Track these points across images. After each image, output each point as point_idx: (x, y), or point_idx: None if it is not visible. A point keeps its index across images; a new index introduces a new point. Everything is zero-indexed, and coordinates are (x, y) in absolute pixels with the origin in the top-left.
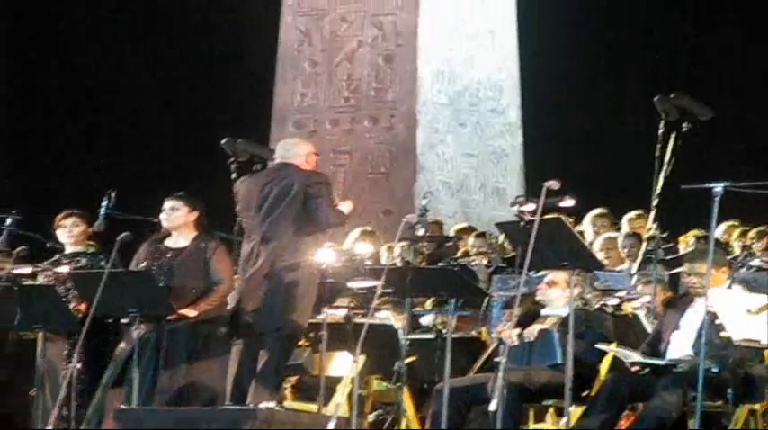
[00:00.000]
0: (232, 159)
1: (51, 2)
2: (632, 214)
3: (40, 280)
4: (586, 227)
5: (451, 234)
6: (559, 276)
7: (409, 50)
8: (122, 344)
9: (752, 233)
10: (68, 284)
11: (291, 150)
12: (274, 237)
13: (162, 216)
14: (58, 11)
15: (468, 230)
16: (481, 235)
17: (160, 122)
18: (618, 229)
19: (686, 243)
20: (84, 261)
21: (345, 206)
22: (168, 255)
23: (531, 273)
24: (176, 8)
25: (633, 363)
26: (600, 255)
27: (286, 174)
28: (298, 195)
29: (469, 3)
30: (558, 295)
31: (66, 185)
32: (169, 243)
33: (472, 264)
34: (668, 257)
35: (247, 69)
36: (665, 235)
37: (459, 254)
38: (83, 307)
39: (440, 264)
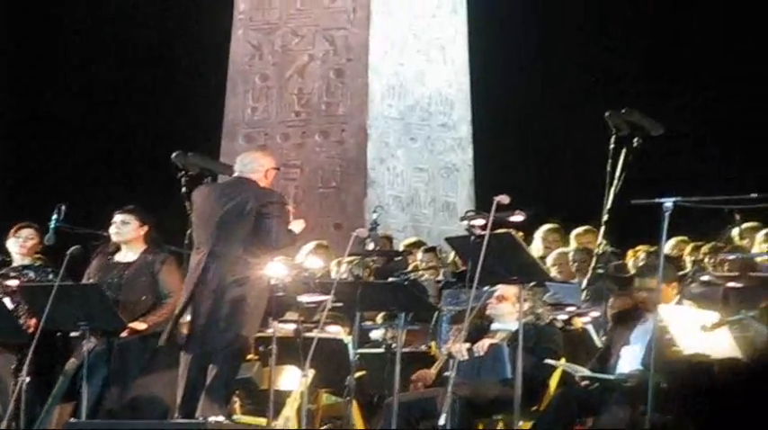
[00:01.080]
0: (182, 173)
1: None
2: (580, 229)
3: None
4: (537, 242)
5: (401, 248)
6: (509, 291)
7: (360, 65)
8: (72, 359)
9: (705, 248)
10: (17, 298)
11: (250, 165)
12: (224, 251)
13: (112, 229)
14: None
15: (418, 245)
16: (430, 249)
17: (110, 135)
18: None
19: (635, 258)
20: (32, 274)
21: (297, 226)
22: (118, 269)
23: (484, 288)
24: (127, 21)
25: (583, 378)
26: (552, 271)
27: (242, 190)
28: (250, 213)
29: (420, 18)
30: (509, 310)
31: (16, 197)
32: (119, 257)
33: (422, 278)
34: (619, 275)
35: (198, 83)
36: (614, 250)
37: (409, 268)
38: (33, 322)
39: (390, 279)
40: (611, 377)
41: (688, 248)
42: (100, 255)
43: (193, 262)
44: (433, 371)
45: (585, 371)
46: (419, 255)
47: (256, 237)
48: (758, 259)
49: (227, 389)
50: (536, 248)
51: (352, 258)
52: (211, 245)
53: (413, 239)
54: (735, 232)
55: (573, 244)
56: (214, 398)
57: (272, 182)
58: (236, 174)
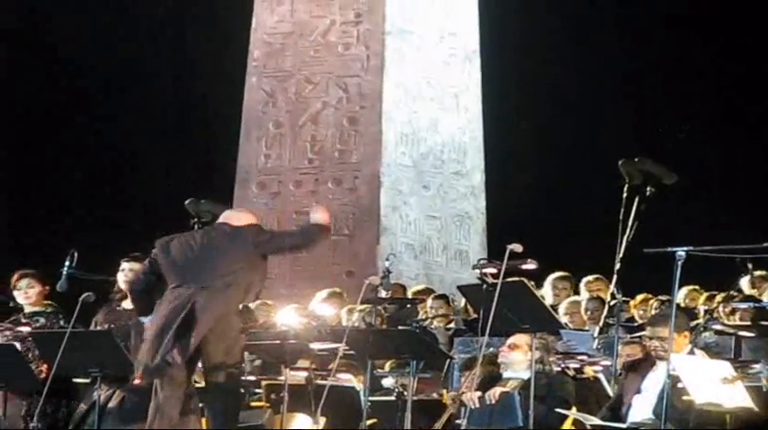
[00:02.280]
0: (195, 220)
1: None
2: (590, 277)
3: (0, 339)
4: (547, 290)
5: (409, 296)
6: (521, 339)
7: (373, 112)
8: (82, 405)
9: (718, 298)
10: (28, 343)
11: (233, 215)
12: (207, 285)
13: (119, 276)
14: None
15: (427, 292)
16: (439, 297)
17: (124, 181)
18: (579, 293)
19: (636, 307)
20: (42, 320)
21: (320, 216)
22: (125, 317)
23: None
24: (142, 66)
25: (594, 426)
26: (564, 319)
27: (228, 232)
28: (243, 249)
29: (434, 65)
30: (520, 358)
31: (27, 243)
32: (126, 304)
33: (432, 326)
34: (630, 324)
35: (212, 129)
36: (626, 299)
37: (420, 316)
38: (44, 367)
39: (401, 327)
40: (624, 426)
41: (702, 298)
42: (107, 303)
43: (172, 305)
44: (444, 418)
45: (597, 420)
46: (429, 302)
47: (247, 270)
48: None
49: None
50: (546, 296)
51: (364, 306)
52: (203, 283)
53: (421, 287)
54: (745, 281)
55: (583, 292)
56: None
57: None
58: (216, 223)
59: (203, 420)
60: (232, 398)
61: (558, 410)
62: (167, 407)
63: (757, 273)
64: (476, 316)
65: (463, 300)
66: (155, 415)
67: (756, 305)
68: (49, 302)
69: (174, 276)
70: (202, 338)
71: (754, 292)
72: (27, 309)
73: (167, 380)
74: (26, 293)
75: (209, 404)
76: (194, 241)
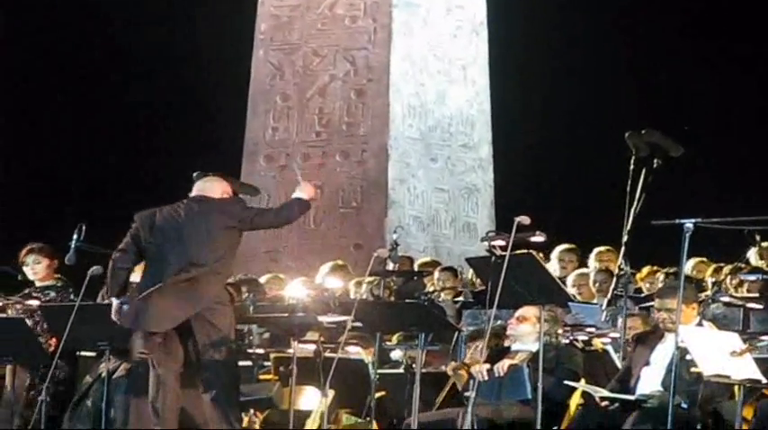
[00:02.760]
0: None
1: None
2: (601, 249)
3: (10, 313)
4: (553, 262)
5: (416, 268)
6: (530, 311)
7: (381, 85)
8: (88, 377)
9: (726, 269)
10: (37, 317)
11: (208, 185)
12: (200, 263)
13: (26, 271)
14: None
15: (434, 264)
16: (447, 269)
17: (132, 155)
18: (585, 265)
19: (643, 280)
20: (53, 294)
21: (305, 191)
22: (131, 290)
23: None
24: (148, 40)
25: (603, 398)
26: (572, 291)
27: (212, 207)
28: (227, 227)
29: (441, 38)
30: (529, 330)
31: (34, 216)
32: (134, 277)
33: (440, 299)
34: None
35: (219, 103)
36: (634, 271)
37: (428, 288)
38: (53, 341)
39: (408, 300)
40: (632, 397)
41: (710, 270)
42: None
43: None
44: (445, 389)
45: (605, 392)
46: (436, 274)
47: (231, 246)
48: None
49: (233, 404)
50: (552, 268)
51: (372, 279)
52: (189, 259)
53: (428, 259)
54: (753, 253)
55: (593, 263)
56: (225, 417)
57: None
58: (194, 194)
59: (204, 395)
60: (231, 372)
61: (566, 382)
62: (168, 381)
63: (765, 244)
64: (483, 288)
65: (471, 273)
66: (156, 388)
67: (764, 277)
68: (59, 276)
69: (161, 254)
70: (198, 317)
71: (761, 264)
72: (38, 284)
73: (165, 354)
74: (33, 269)
75: (209, 380)
76: (178, 216)
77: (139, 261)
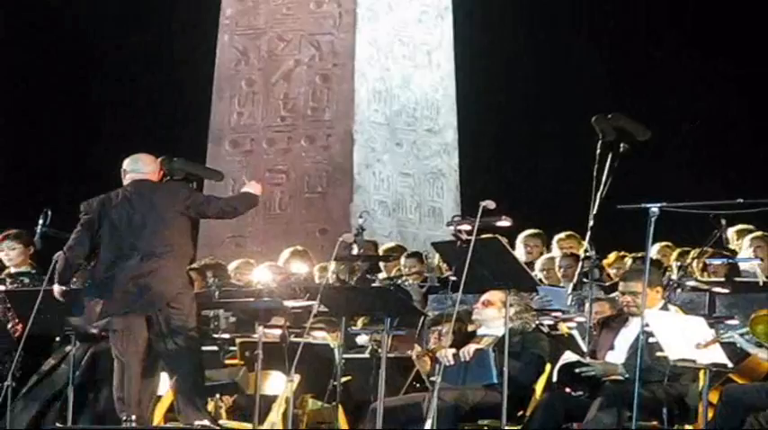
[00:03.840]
0: (168, 178)
1: None
2: (562, 235)
3: None
4: (519, 248)
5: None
6: (495, 296)
7: (346, 70)
8: (51, 359)
9: (692, 253)
10: (7, 304)
11: (143, 166)
12: (159, 252)
13: (1, 256)
14: None
15: (398, 249)
16: (413, 254)
17: (94, 140)
18: (550, 250)
19: (610, 265)
20: (26, 280)
21: (254, 187)
22: None
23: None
24: (113, 25)
25: (561, 367)
26: (540, 275)
27: (159, 192)
28: (181, 211)
29: (406, 23)
30: (494, 315)
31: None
32: None
33: (406, 283)
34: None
35: (184, 88)
36: (600, 255)
37: (393, 273)
38: (20, 326)
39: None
40: (618, 363)
41: (674, 254)
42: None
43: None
44: (410, 376)
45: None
46: (402, 260)
47: (186, 230)
48: (744, 264)
49: (199, 391)
50: (518, 254)
51: (337, 263)
52: (149, 248)
53: (392, 244)
54: (730, 233)
55: (555, 249)
56: (192, 402)
57: (160, 179)
58: (134, 178)
59: (171, 381)
60: (194, 357)
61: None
62: (132, 367)
63: (733, 229)
64: (449, 274)
65: (437, 258)
66: (120, 375)
67: (730, 260)
68: (33, 264)
69: (115, 241)
70: (160, 307)
71: (737, 245)
72: (12, 270)
73: (128, 341)
74: (8, 254)
75: (174, 367)
76: (127, 203)
77: (92, 250)
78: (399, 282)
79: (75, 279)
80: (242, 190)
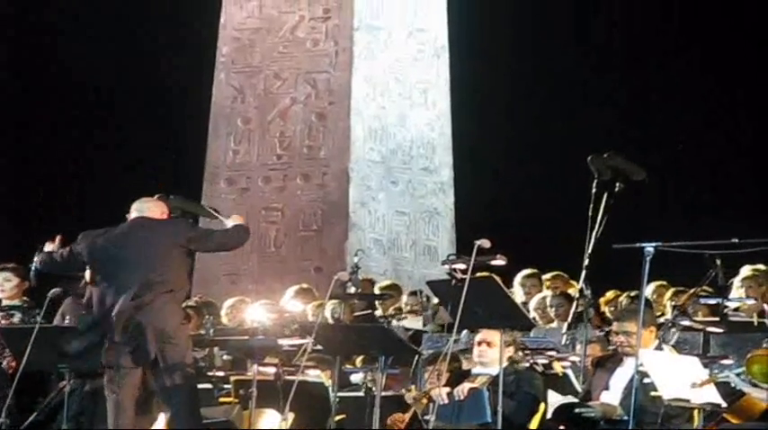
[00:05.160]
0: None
1: None
2: (548, 275)
3: None
4: (516, 287)
5: (376, 292)
6: (494, 336)
7: (342, 108)
8: (48, 398)
9: (685, 296)
10: (1, 339)
11: (147, 206)
12: (153, 285)
13: (87, 273)
14: None
15: (393, 288)
16: (414, 293)
17: (92, 176)
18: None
19: (607, 304)
20: (19, 315)
21: (236, 219)
22: (88, 312)
23: (463, 332)
24: (111, 63)
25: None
26: (535, 315)
27: (157, 229)
28: (178, 247)
29: (403, 61)
30: (496, 355)
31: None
32: None
33: (405, 322)
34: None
35: (180, 125)
36: (594, 294)
37: (390, 311)
38: (14, 363)
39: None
40: (617, 404)
41: (668, 293)
42: (72, 297)
43: (105, 304)
44: (407, 415)
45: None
46: (404, 298)
47: (182, 266)
48: (735, 304)
49: (195, 427)
50: (516, 295)
51: (332, 302)
52: (144, 281)
53: (387, 282)
54: (738, 281)
55: (544, 289)
56: None
57: None
58: (135, 216)
59: (164, 419)
60: (191, 396)
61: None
62: (126, 405)
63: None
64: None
65: (435, 300)
66: (115, 413)
67: (725, 300)
68: (26, 299)
69: (110, 278)
70: (156, 343)
71: (741, 293)
72: (5, 302)
73: (123, 378)
74: (2, 286)
75: (169, 403)
76: (123, 239)
77: (63, 271)
78: (399, 319)
79: (67, 318)
80: (228, 223)
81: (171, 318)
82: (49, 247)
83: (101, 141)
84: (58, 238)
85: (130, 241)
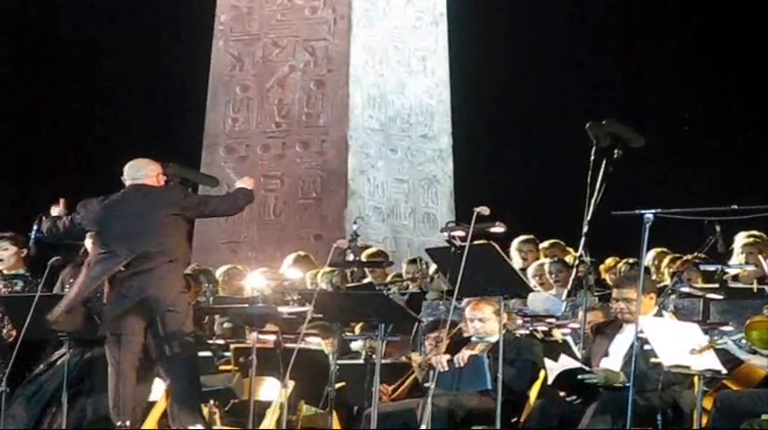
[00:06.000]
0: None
1: None
2: (545, 244)
3: None
4: (513, 253)
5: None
6: (487, 310)
7: (340, 76)
8: (42, 366)
9: (684, 259)
10: (1, 308)
11: (141, 171)
12: (151, 253)
13: (87, 241)
14: None
15: (380, 254)
16: (414, 261)
17: (90, 145)
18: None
19: (607, 271)
20: (20, 284)
21: (247, 182)
22: None
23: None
24: (108, 30)
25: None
26: (533, 281)
27: (152, 196)
28: (170, 214)
29: (401, 29)
30: (493, 327)
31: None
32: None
33: (408, 289)
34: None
35: (179, 94)
36: (594, 260)
37: (388, 279)
38: (14, 331)
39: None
40: (578, 364)
41: (666, 260)
42: (72, 265)
43: (104, 268)
44: (408, 381)
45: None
46: (403, 266)
47: (179, 233)
48: (735, 271)
49: (193, 396)
50: (513, 260)
51: (331, 269)
52: (141, 250)
53: (374, 250)
54: (738, 247)
55: (541, 257)
56: (186, 408)
57: (163, 184)
58: (131, 183)
59: (161, 387)
60: (190, 364)
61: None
62: (126, 373)
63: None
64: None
65: (434, 266)
66: (115, 380)
67: (724, 266)
68: (27, 271)
69: (106, 244)
70: (157, 305)
71: (741, 259)
72: (5, 272)
73: (124, 346)
74: (0, 255)
75: (169, 372)
76: (122, 207)
77: (66, 239)
78: (380, 289)
79: (66, 287)
80: (235, 185)
81: (172, 286)
82: (54, 211)
83: (100, 111)
84: (62, 202)
85: (125, 211)
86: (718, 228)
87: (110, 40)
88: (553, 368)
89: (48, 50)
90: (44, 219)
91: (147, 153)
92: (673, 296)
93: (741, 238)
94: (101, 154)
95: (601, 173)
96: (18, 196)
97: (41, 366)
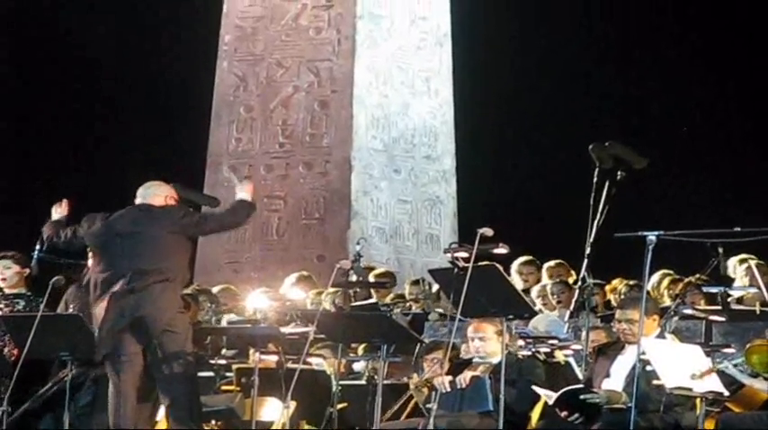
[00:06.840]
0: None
1: None
2: (551, 263)
3: None
4: (514, 275)
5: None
6: (489, 330)
7: (344, 96)
8: (49, 384)
9: (685, 281)
10: (3, 327)
11: (149, 191)
12: (148, 272)
13: (89, 261)
14: None
15: (388, 275)
16: (417, 282)
17: (95, 164)
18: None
19: (612, 292)
20: (22, 303)
21: (244, 193)
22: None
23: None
24: (113, 52)
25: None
26: (537, 302)
27: (154, 215)
28: (169, 233)
29: (405, 49)
30: (494, 348)
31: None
32: None
33: (411, 310)
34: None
35: (183, 113)
36: (597, 282)
37: (387, 299)
38: (16, 351)
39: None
40: (579, 386)
41: (665, 282)
42: (76, 285)
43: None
44: (409, 405)
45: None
46: (406, 287)
47: (180, 252)
48: (738, 293)
49: (194, 417)
50: (514, 282)
51: (334, 290)
52: (138, 268)
53: (382, 270)
54: (732, 263)
55: (545, 277)
56: (185, 426)
57: None
58: (138, 200)
59: (162, 408)
60: (190, 384)
61: (533, 388)
62: (127, 392)
63: (735, 258)
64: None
65: (435, 286)
66: (116, 400)
67: (727, 289)
68: (28, 286)
69: (100, 260)
70: (155, 326)
71: (745, 281)
72: (7, 291)
73: (125, 366)
74: (2, 274)
75: (168, 392)
76: (122, 224)
77: (66, 249)
78: (384, 310)
79: (71, 307)
80: (236, 196)
81: (168, 306)
82: (56, 213)
83: (102, 131)
84: (65, 203)
85: (124, 229)
86: (720, 250)
87: (114, 60)
88: (549, 394)
89: (48, 50)
90: (46, 221)
91: (151, 173)
92: (675, 318)
93: (735, 262)
94: (105, 173)
95: (604, 194)
96: (18, 196)
97: (49, 385)
